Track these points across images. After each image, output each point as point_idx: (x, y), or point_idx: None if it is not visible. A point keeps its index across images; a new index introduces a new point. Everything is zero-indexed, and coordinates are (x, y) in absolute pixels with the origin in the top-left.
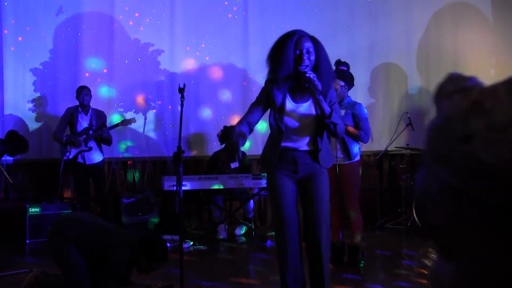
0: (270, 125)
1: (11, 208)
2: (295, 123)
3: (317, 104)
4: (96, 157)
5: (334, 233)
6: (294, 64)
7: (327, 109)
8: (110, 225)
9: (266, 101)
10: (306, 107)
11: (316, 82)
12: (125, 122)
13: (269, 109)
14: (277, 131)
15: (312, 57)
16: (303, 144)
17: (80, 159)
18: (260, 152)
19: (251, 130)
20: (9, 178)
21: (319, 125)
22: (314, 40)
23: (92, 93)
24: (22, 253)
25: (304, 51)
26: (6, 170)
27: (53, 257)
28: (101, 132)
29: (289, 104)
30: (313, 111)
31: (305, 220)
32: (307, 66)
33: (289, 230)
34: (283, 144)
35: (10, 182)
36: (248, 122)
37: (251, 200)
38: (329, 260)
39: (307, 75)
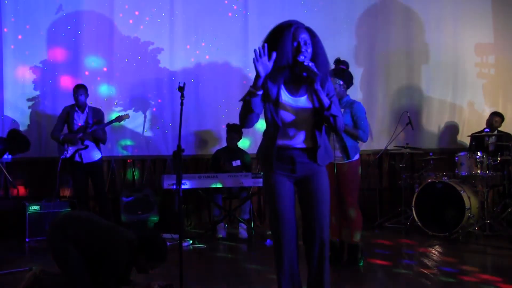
0: (266, 119)
1: (10, 206)
2: (291, 118)
3: (316, 95)
4: (94, 155)
5: (333, 233)
6: (292, 55)
7: (326, 100)
8: (109, 224)
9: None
10: (303, 101)
11: (315, 70)
12: (120, 119)
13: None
14: (273, 126)
15: (310, 49)
16: (299, 140)
17: (77, 158)
18: None
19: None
20: (8, 176)
21: (318, 120)
22: (310, 32)
23: (91, 92)
24: (22, 251)
25: (302, 42)
26: (5, 168)
27: (52, 256)
28: (93, 131)
29: (285, 98)
30: (311, 105)
31: (305, 221)
32: (305, 57)
33: (286, 232)
34: (280, 141)
35: (9, 180)
36: None
37: (248, 202)
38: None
39: (306, 63)
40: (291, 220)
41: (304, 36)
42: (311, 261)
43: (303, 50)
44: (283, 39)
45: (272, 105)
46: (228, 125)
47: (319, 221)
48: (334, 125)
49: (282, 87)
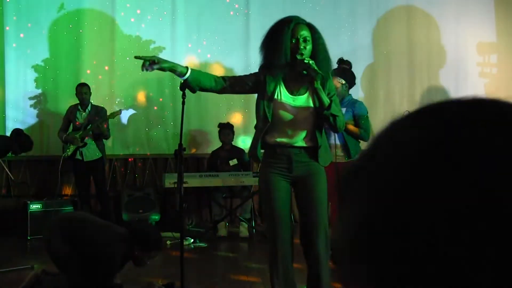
0: (257, 113)
1: (12, 204)
2: (290, 116)
3: (315, 94)
4: (94, 153)
5: (334, 232)
6: (291, 53)
7: (325, 99)
8: (102, 222)
9: (252, 85)
10: (303, 100)
11: (315, 68)
12: (111, 115)
13: (256, 95)
14: (263, 121)
15: (309, 46)
16: (299, 139)
17: (78, 156)
18: None
19: (220, 83)
20: (10, 175)
21: (318, 119)
22: (311, 28)
23: (93, 90)
24: (23, 249)
25: (301, 39)
26: (7, 167)
27: (50, 257)
28: (93, 127)
29: (284, 96)
30: (311, 104)
31: (302, 222)
32: (303, 54)
33: (281, 232)
34: (278, 139)
35: (11, 179)
36: (224, 78)
37: (249, 200)
38: (329, 259)
39: (305, 61)
40: (286, 219)
41: (303, 33)
42: (310, 262)
43: (301, 47)
44: (281, 36)
45: (266, 101)
46: (220, 124)
47: (317, 222)
48: (334, 124)
49: (282, 84)
